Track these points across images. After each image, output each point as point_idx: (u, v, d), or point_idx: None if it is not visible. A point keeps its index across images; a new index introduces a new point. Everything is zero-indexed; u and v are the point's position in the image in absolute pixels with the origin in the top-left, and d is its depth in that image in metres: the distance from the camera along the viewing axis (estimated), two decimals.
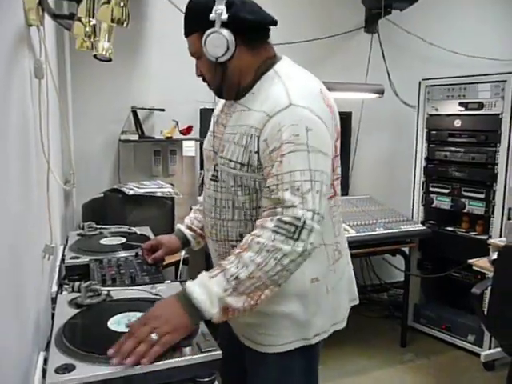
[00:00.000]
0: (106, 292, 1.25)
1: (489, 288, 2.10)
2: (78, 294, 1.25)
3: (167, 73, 2.95)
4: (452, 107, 2.93)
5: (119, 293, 1.28)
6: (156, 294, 1.25)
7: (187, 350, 0.96)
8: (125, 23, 1.16)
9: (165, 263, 1.70)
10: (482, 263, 2.49)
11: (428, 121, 3.06)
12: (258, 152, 1.12)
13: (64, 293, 1.33)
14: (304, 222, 1.03)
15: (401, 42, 3.56)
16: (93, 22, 1.25)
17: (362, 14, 3.47)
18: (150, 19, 2.93)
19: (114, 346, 0.92)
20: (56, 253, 1.77)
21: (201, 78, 1.25)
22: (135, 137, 2.79)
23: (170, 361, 0.93)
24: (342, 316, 1.33)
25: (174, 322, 0.97)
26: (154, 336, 0.93)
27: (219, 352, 0.97)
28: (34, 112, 1.26)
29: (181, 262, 1.85)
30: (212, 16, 1.11)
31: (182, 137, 2.88)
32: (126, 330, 1.02)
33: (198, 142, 2.86)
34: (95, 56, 1.67)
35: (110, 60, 1.70)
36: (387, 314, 3.50)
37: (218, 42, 1.12)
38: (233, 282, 1.01)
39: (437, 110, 3.01)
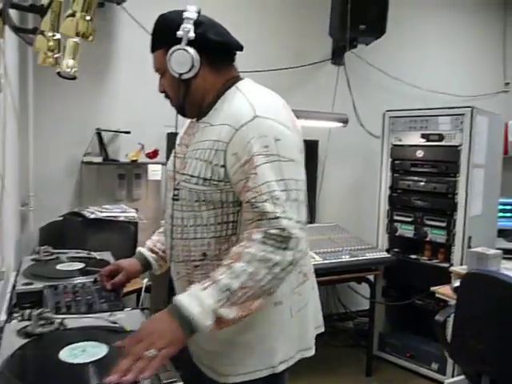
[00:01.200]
0: (59, 320, 1.17)
1: (452, 315, 2.12)
2: (29, 323, 1.16)
3: (134, 95, 2.91)
4: (414, 138, 3.02)
5: (74, 321, 1.20)
6: (114, 323, 1.18)
7: (146, 382, 0.90)
8: (90, 37, 1.13)
9: (126, 291, 1.64)
10: (444, 291, 2.52)
11: (392, 151, 3.14)
12: (224, 166, 1.11)
13: (13, 321, 1.23)
14: (290, 233, 1.03)
15: (366, 74, 3.68)
16: (57, 36, 1.20)
17: (329, 45, 3.57)
18: (118, 40, 2.91)
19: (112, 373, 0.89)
20: (7, 279, 1.67)
21: (163, 95, 1.25)
22: (99, 159, 2.72)
23: None
24: (309, 343, 1.29)
25: (168, 336, 0.96)
26: (152, 351, 0.92)
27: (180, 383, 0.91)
28: None
29: (143, 289, 1.78)
30: (179, 33, 1.12)
31: (147, 160, 2.83)
32: (81, 361, 0.95)
33: (164, 166, 2.81)
34: (59, 73, 1.63)
35: (74, 78, 1.67)
36: (353, 342, 3.48)
37: (183, 59, 1.13)
38: (226, 293, 1.00)
39: (400, 140, 3.09)
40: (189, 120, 1.31)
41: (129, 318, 1.24)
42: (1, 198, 1.26)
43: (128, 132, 2.81)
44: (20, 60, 2.39)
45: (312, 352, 1.28)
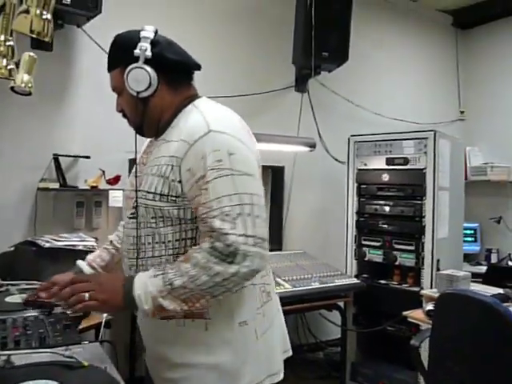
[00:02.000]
0: (4, 357, 1.02)
1: (427, 340, 2.07)
2: None
3: (94, 120, 2.80)
4: (379, 162, 3.04)
5: (23, 357, 1.06)
6: (70, 357, 1.05)
7: None
8: (46, 38, 1.04)
9: (84, 326, 1.58)
10: (416, 315, 2.48)
11: (358, 175, 3.15)
12: (180, 181, 1.10)
13: None
14: (236, 248, 1.02)
15: (329, 101, 3.73)
16: (10, 42, 1.11)
17: (292, 73, 3.61)
18: (78, 63, 2.81)
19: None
20: None
21: (121, 115, 1.25)
22: (56, 185, 2.56)
23: None
24: (278, 367, 1.23)
25: (108, 295, 1.08)
26: (86, 296, 1.07)
27: None
28: None
29: (102, 323, 1.65)
30: (136, 52, 1.13)
31: (108, 187, 2.69)
32: None
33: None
34: (12, 88, 1.53)
35: (29, 94, 1.57)
36: (324, 374, 3.36)
37: (141, 77, 1.13)
38: (168, 287, 1.04)
39: (365, 164, 3.11)
40: (148, 140, 1.31)
41: (87, 352, 1.12)
42: None
43: (88, 157, 2.68)
44: None
45: (281, 376, 1.23)
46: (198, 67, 1.23)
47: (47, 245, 2.16)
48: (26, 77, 1.48)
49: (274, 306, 1.26)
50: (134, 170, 1.26)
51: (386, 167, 3.01)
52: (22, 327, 1.27)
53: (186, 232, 1.12)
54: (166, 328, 1.14)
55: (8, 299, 1.57)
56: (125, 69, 1.14)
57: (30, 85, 1.50)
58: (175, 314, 1.08)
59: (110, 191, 2.62)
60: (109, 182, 2.68)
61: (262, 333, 1.18)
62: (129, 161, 2.82)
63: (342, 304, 2.97)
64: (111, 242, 1.48)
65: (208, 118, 1.11)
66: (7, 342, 1.15)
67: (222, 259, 1.02)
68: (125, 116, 1.23)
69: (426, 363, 1.98)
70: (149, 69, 1.13)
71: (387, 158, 3.00)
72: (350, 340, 3.05)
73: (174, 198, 1.10)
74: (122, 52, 1.17)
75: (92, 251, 2.35)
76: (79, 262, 1.46)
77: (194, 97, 1.22)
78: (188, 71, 1.23)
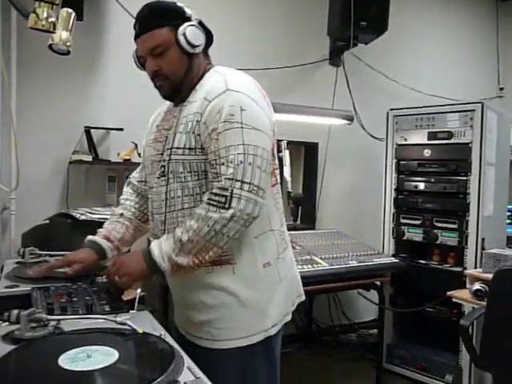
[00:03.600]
0: (54, 322, 0.96)
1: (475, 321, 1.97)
2: (17, 326, 0.95)
3: (125, 92, 2.72)
4: (421, 137, 2.89)
5: (72, 323, 0.99)
6: (122, 323, 0.98)
7: None
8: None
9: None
10: (462, 295, 2.37)
11: (397, 151, 3.01)
12: (199, 134, 1.19)
13: None
14: (231, 192, 1.12)
15: (364, 76, 3.57)
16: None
17: (326, 46, 3.46)
18: (108, 33, 2.73)
19: None
20: None
21: (152, 77, 1.28)
22: (88, 158, 2.50)
23: None
24: (290, 308, 1.35)
25: (133, 266, 1.22)
26: (117, 278, 1.22)
27: None
28: None
29: (136, 300, 1.59)
30: (188, 12, 1.25)
31: (140, 160, 2.62)
32: (87, 368, 0.75)
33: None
34: (50, 47, 1.44)
35: (68, 53, 1.48)
36: (357, 355, 3.28)
37: (196, 33, 1.24)
38: (178, 244, 1.16)
39: (405, 139, 2.97)
40: (161, 112, 1.41)
41: (136, 319, 1.05)
42: None
43: (121, 129, 2.61)
44: (2, 50, 2.19)
45: (290, 317, 1.34)
46: (212, 41, 1.33)
47: (82, 217, 2.11)
48: (64, 34, 1.39)
49: (291, 253, 1.38)
50: (152, 137, 1.36)
51: (428, 142, 2.85)
52: (66, 295, 1.21)
53: (209, 185, 1.19)
54: (197, 277, 1.23)
55: None
56: (174, 27, 1.21)
57: (68, 43, 1.41)
58: (190, 269, 1.17)
59: (147, 166, 2.54)
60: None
61: (283, 276, 1.30)
62: None
63: (379, 284, 2.87)
64: (121, 214, 1.49)
65: (227, 78, 1.21)
66: (54, 309, 1.09)
67: (218, 207, 1.13)
68: (159, 78, 1.26)
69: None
70: (201, 28, 1.25)
71: (429, 133, 2.85)
72: (387, 321, 2.95)
73: (200, 151, 1.19)
74: (169, 11, 1.24)
75: None
76: (94, 238, 1.43)
77: (211, 65, 1.33)
78: (211, 42, 1.32)
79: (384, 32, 3.12)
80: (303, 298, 1.43)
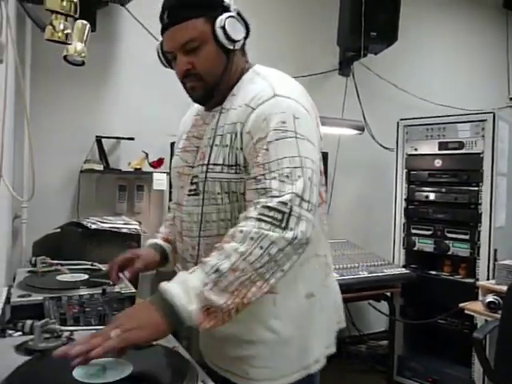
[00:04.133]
0: (67, 333, 0.96)
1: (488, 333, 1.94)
2: (30, 337, 0.95)
3: (136, 102, 2.74)
4: (431, 147, 2.88)
5: (85, 335, 0.99)
6: None
7: None
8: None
9: None
10: (474, 307, 2.34)
11: (407, 161, 3.00)
12: (241, 148, 1.02)
13: (8, 337, 1.02)
14: (291, 208, 0.91)
15: (374, 86, 3.57)
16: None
17: (336, 55, 3.47)
18: (121, 42, 2.75)
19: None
20: None
21: (182, 78, 1.10)
22: (100, 167, 2.52)
23: None
24: (332, 339, 1.19)
25: (141, 319, 0.84)
26: (113, 333, 0.80)
27: None
28: None
29: None
30: (227, 2, 1.06)
31: (151, 170, 2.63)
32: (102, 381, 0.74)
33: (169, 176, 2.63)
34: (65, 58, 1.46)
35: (82, 64, 1.50)
36: (367, 367, 3.24)
37: (237, 26, 1.05)
38: (213, 276, 0.87)
39: (416, 149, 2.95)
40: (190, 115, 1.24)
41: None
42: None
43: (132, 138, 2.62)
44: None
45: (334, 349, 1.18)
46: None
47: (93, 226, 2.11)
48: (79, 45, 1.41)
49: (333, 277, 1.23)
50: (181, 145, 1.20)
51: (439, 152, 2.84)
52: (78, 305, 1.21)
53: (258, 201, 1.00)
54: None
55: (59, 278, 1.53)
56: (211, 18, 1.03)
57: (83, 54, 1.43)
58: (227, 314, 0.88)
59: (154, 174, 2.56)
60: (152, 164, 2.62)
61: (324, 305, 1.14)
62: (170, 144, 2.75)
63: (389, 295, 2.84)
64: (174, 218, 1.30)
65: (273, 83, 1.04)
66: (66, 319, 1.09)
67: (274, 224, 0.90)
68: (191, 76, 1.07)
69: None
70: (242, 19, 1.07)
71: (440, 143, 2.84)
72: (397, 332, 2.92)
73: (240, 169, 1.02)
74: (207, 1, 1.06)
75: (136, 234, 2.33)
76: (153, 240, 1.30)
77: (250, 64, 1.15)
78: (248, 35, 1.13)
79: (394, 42, 3.13)
80: (343, 324, 1.24)
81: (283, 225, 0.90)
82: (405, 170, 3.01)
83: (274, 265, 0.90)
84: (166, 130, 2.69)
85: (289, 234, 0.90)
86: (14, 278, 1.58)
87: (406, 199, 3.01)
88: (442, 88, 3.92)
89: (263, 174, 0.96)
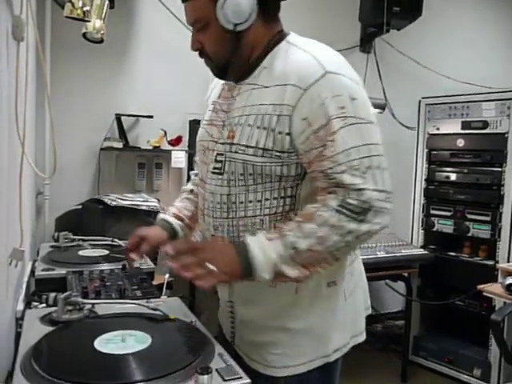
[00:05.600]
0: (89, 306, 0.99)
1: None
2: (53, 309, 0.98)
3: (155, 80, 2.74)
4: (454, 126, 2.81)
5: (106, 307, 1.02)
6: (154, 309, 1.00)
7: (205, 378, 0.72)
8: None
9: None
10: (493, 289, 2.31)
11: (428, 141, 2.94)
12: (290, 133, 0.95)
13: (34, 308, 1.06)
14: (370, 205, 0.91)
15: (396, 62, 3.49)
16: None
17: (357, 32, 3.39)
18: (141, 18, 2.73)
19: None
20: (24, 266, 1.50)
21: (198, 54, 1.06)
22: (119, 145, 2.54)
23: None
24: (361, 326, 1.17)
25: (228, 263, 0.94)
26: (211, 266, 0.91)
27: (248, 381, 0.73)
28: (9, 81, 1.02)
29: (164, 285, 1.62)
30: None
31: (170, 147, 2.65)
32: (122, 352, 0.76)
33: (187, 154, 2.64)
34: (84, 35, 1.47)
35: (101, 41, 1.50)
36: (382, 346, 3.26)
37: (240, 7, 0.96)
38: (291, 251, 0.93)
39: (438, 129, 2.89)
40: (219, 82, 1.14)
41: (168, 305, 1.07)
42: (21, 165, 1.08)
43: (151, 116, 2.63)
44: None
45: (364, 337, 1.16)
46: None
47: (113, 203, 2.15)
48: (98, 22, 1.41)
49: (360, 264, 1.19)
50: (207, 117, 1.13)
51: (462, 131, 2.77)
52: (99, 279, 1.25)
53: (286, 190, 1.00)
54: (256, 289, 1.03)
55: (81, 253, 1.57)
56: None
57: (101, 31, 1.44)
58: (292, 280, 0.96)
59: (173, 152, 2.58)
60: (170, 142, 2.64)
61: (349, 293, 1.11)
62: (189, 122, 2.76)
63: (406, 275, 2.83)
64: (191, 190, 1.32)
65: (319, 57, 0.95)
66: (88, 293, 1.12)
67: (352, 217, 0.91)
68: (203, 55, 1.05)
69: None
70: None
71: (463, 122, 2.76)
72: (414, 313, 2.92)
73: (278, 154, 0.96)
74: None
75: (155, 212, 2.37)
76: (165, 217, 1.29)
77: (283, 32, 1.06)
78: (279, 1, 1.05)
79: (418, 17, 3.03)
80: (370, 310, 1.23)
81: (360, 218, 0.92)
82: (426, 150, 2.95)
83: (347, 249, 0.96)
84: (185, 109, 2.71)
85: (364, 227, 0.92)
86: (38, 253, 1.63)
87: (426, 179, 2.96)
88: (467, 65, 3.79)
89: (331, 168, 0.93)
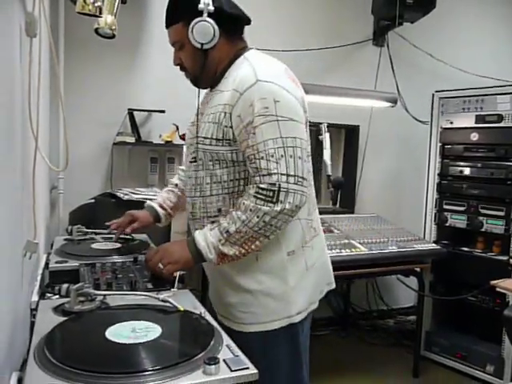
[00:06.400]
0: (101, 297, 1.01)
1: None
2: (66, 300, 1.00)
3: (167, 74, 2.72)
4: (468, 120, 2.78)
5: (117, 299, 1.04)
6: (165, 301, 1.01)
7: (212, 368, 0.73)
8: None
9: None
10: (507, 285, 2.29)
11: (442, 135, 2.91)
12: (231, 127, 1.19)
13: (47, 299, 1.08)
14: (279, 186, 1.14)
15: (409, 56, 3.45)
16: None
17: (370, 25, 3.37)
18: (152, 13, 2.75)
19: None
20: (38, 259, 1.53)
21: (178, 68, 1.33)
22: (132, 139, 2.57)
23: (191, 382, 0.70)
24: (317, 296, 1.37)
25: (178, 255, 1.23)
26: (160, 265, 1.22)
27: (255, 371, 0.74)
28: (22, 77, 1.04)
29: (176, 279, 1.63)
30: (201, 6, 1.20)
31: (182, 142, 2.66)
32: (133, 342, 0.78)
33: None
34: (96, 31, 1.48)
35: (113, 37, 1.52)
36: (394, 341, 3.25)
37: (206, 30, 1.21)
38: (225, 235, 1.18)
39: (451, 123, 2.86)
40: (205, 92, 1.39)
41: (178, 297, 1.08)
42: (34, 159, 1.10)
43: (163, 111, 2.65)
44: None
45: (317, 305, 1.36)
46: (249, 21, 1.31)
47: (126, 197, 2.18)
48: (109, 18, 1.42)
49: (321, 241, 1.39)
50: (191, 120, 1.37)
51: (476, 125, 2.74)
52: (111, 271, 1.27)
53: (240, 173, 1.24)
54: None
55: (94, 246, 1.59)
56: (187, 23, 1.21)
57: (113, 27, 1.45)
58: (236, 258, 1.19)
59: (184, 146, 2.58)
60: (182, 137, 2.65)
61: (311, 264, 1.31)
62: None
63: (418, 270, 2.82)
64: (176, 185, 1.63)
65: (256, 69, 1.19)
66: (100, 284, 1.14)
67: (267, 200, 1.14)
68: (182, 69, 1.32)
69: None
70: (212, 22, 1.20)
71: (477, 116, 2.73)
72: (426, 308, 2.90)
73: (228, 142, 1.20)
74: (184, 7, 1.23)
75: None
76: (151, 203, 1.62)
77: (245, 49, 1.30)
78: (242, 25, 1.31)
79: (431, 10, 2.99)
80: (333, 285, 1.44)
81: (274, 200, 1.14)
82: (439, 144, 2.92)
83: (269, 227, 1.16)
84: (194, 103, 2.72)
85: (278, 207, 1.14)
86: (52, 246, 1.66)
87: (439, 174, 2.94)
88: (482, 58, 3.73)
89: (253, 155, 1.16)
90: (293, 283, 1.26)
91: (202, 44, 1.22)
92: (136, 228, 1.59)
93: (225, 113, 1.19)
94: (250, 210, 1.15)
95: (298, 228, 1.28)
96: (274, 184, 1.13)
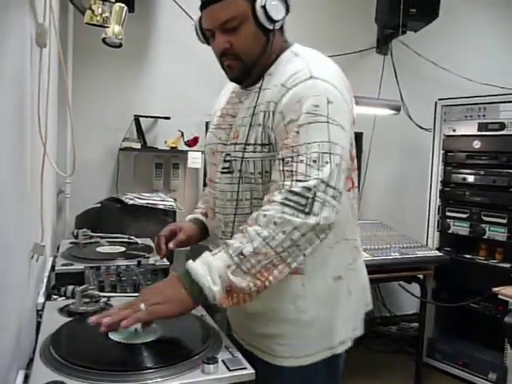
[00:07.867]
0: (105, 299, 1.04)
1: None
2: (71, 301, 1.04)
3: (173, 81, 2.81)
4: (470, 128, 2.80)
5: (121, 300, 1.06)
6: None
7: (211, 367, 0.76)
8: None
9: None
10: (509, 292, 2.30)
11: (444, 142, 2.93)
12: (272, 127, 1.02)
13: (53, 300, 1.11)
14: (315, 194, 0.92)
15: (412, 64, 3.48)
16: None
17: (374, 34, 3.40)
18: (159, 22, 2.81)
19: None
20: (45, 262, 1.56)
21: (220, 56, 1.09)
22: (138, 145, 2.61)
23: (190, 380, 0.73)
24: (360, 321, 1.20)
25: (168, 294, 0.90)
26: (142, 305, 0.86)
27: (252, 371, 0.76)
28: (32, 85, 1.08)
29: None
30: None
31: (187, 148, 2.71)
32: (134, 342, 0.81)
33: (204, 155, 2.69)
34: (104, 40, 1.53)
35: (120, 46, 1.56)
36: (397, 348, 3.26)
37: (278, 5, 1.02)
38: (236, 258, 0.90)
39: (454, 130, 2.88)
40: (228, 90, 1.22)
41: None
42: (42, 164, 1.14)
43: (168, 118, 2.70)
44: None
45: (361, 331, 1.19)
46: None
47: (131, 202, 2.21)
48: (116, 28, 1.47)
49: (361, 261, 1.23)
50: (215, 122, 1.20)
51: (478, 133, 2.76)
52: (115, 274, 1.30)
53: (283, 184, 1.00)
54: None
55: (99, 249, 1.63)
56: None
57: (120, 36, 1.49)
58: (248, 295, 0.92)
59: (189, 152, 2.63)
60: (187, 143, 2.69)
61: (353, 289, 1.15)
62: (206, 123, 2.81)
63: (421, 277, 2.83)
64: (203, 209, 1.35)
65: (310, 64, 1.03)
66: (104, 287, 1.17)
67: (298, 209, 0.91)
68: (228, 56, 1.07)
69: None
70: None
71: (480, 123, 2.75)
72: (429, 315, 2.91)
73: (270, 147, 1.03)
74: None
75: (171, 211, 2.42)
76: (194, 215, 1.32)
77: (288, 43, 1.13)
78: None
79: (434, 19, 3.02)
80: (370, 306, 1.25)
81: (307, 210, 0.91)
82: (442, 152, 2.95)
83: (295, 249, 0.92)
84: (201, 110, 2.76)
85: (311, 220, 0.91)
86: (58, 249, 1.70)
87: (441, 181, 2.96)
88: (485, 66, 3.74)
89: (291, 157, 0.96)
90: (336, 312, 1.10)
91: (275, 22, 1.02)
92: (182, 241, 1.23)
93: (268, 112, 1.02)
94: (275, 223, 0.91)
95: (345, 250, 1.12)
96: (310, 189, 0.92)
